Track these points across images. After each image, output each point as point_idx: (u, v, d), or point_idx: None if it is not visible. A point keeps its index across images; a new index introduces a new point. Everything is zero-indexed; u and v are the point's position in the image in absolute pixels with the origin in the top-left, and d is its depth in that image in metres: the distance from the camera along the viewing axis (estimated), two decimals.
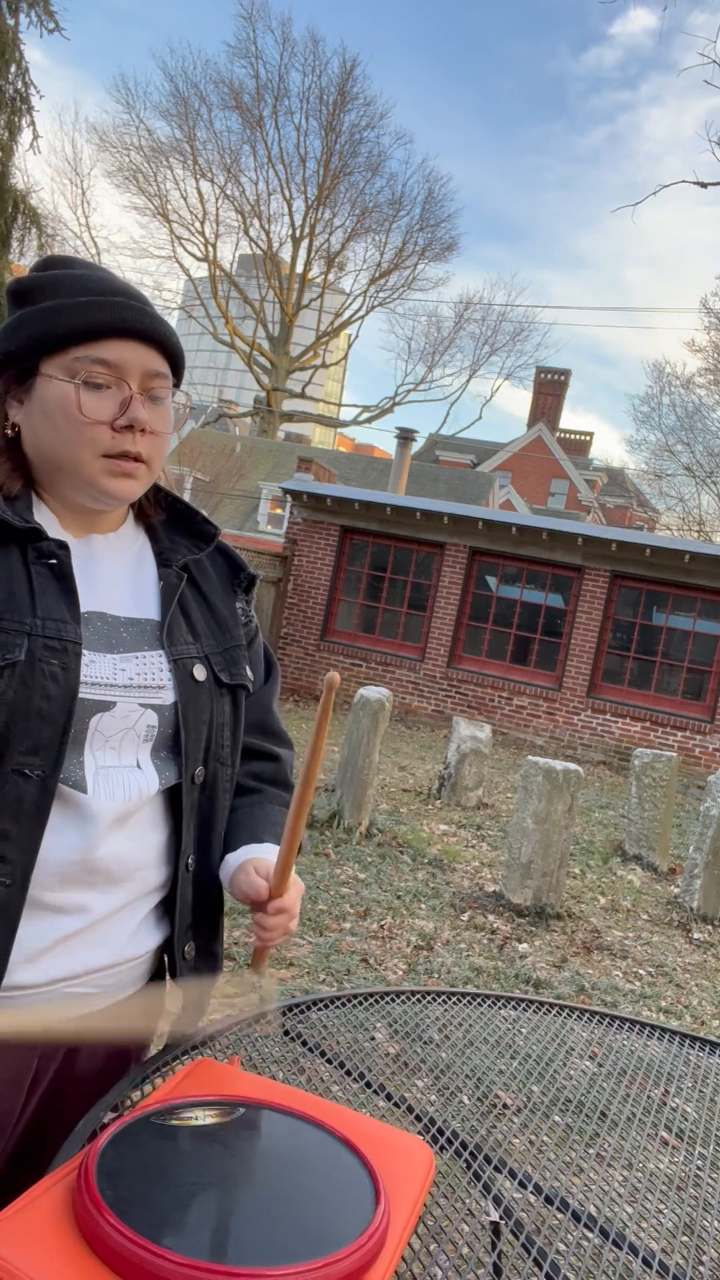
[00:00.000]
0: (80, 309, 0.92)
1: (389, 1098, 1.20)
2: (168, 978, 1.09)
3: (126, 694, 0.96)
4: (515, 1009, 1.49)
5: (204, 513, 1.11)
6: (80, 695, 0.91)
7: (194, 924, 1.07)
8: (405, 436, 19.10)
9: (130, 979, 1.03)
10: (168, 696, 0.99)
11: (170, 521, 1.10)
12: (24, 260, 9.52)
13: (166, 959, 1.08)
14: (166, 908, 1.06)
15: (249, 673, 1.11)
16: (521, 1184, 1.07)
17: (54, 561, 0.93)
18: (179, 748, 1.01)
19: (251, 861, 1.03)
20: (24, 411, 0.95)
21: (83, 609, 0.95)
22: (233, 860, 1.06)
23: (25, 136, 9.88)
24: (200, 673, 1.03)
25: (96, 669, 0.93)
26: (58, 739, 0.89)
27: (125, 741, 0.97)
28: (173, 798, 1.04)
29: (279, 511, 26.52)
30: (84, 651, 0.93)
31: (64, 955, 0.95)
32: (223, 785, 1.08)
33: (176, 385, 1.00)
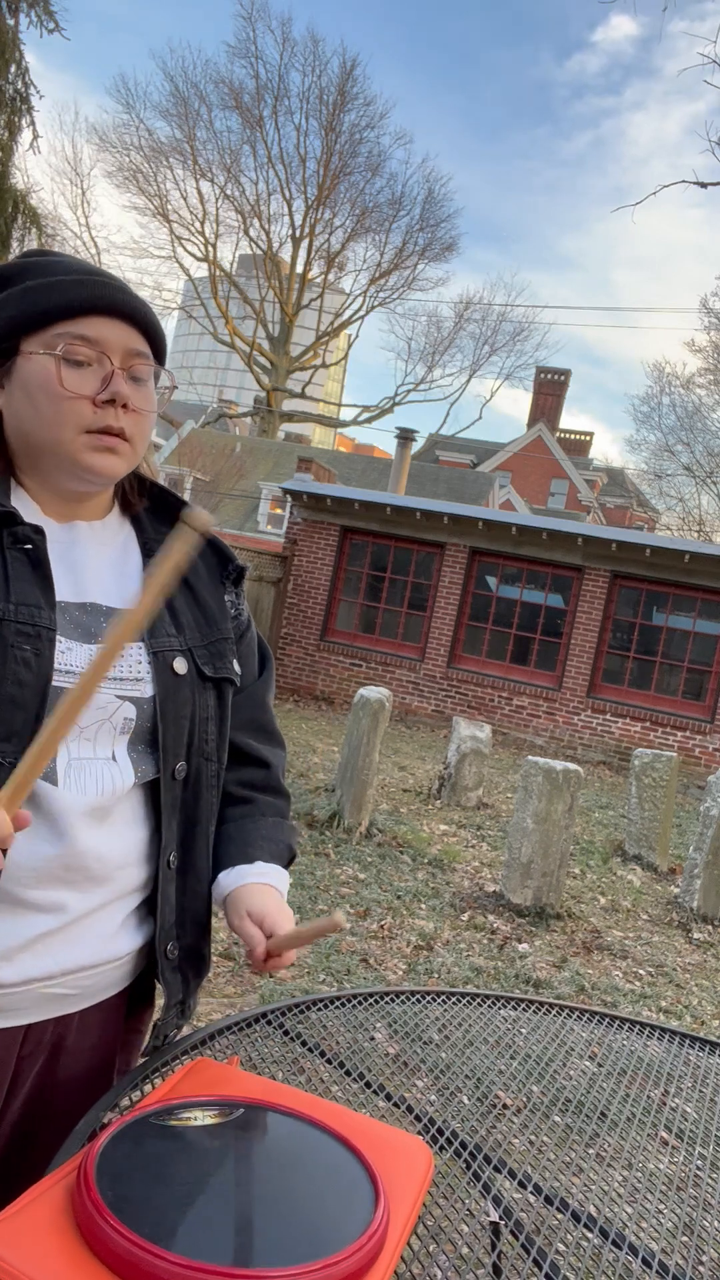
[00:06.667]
0: (60, 287, 0.92)
1: (389, 1098, 1.20)
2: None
3: (103, 684, 0.94)
4: (515, 1009, 1.49)
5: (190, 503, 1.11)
6: (54, 683, 0.89)
7: (178, 923, 1.05)
8: (405, 436, 19.11)
9: (110, 980, 1.02)
10: (146, 689, 0.98)
11: (156, 512, 1.09)
12: None
13: (151, 959, 1.06)
14: (149, 907, 1.04)
15: (235, 666, 1.09)
16: (521, 1184, 1.07)
17: (29, 546, 0.91)
18: (157, 741, 0.99)
19: (245, 902, 1.02)
20: (5, 394, 0.94)
21: (66, 597, 0.94)
22: (225, 883, 1.05)
23: (25, 136, 9.90)
24: (181, 666, 1.01)
25: (72, 657, 0.92)
26: (30, 726, 0.87)
27: (101, 733, 0.95)
28: (154, 793, 1.02)
29: (279, 511, 26.52)
30: (59, 639, 0.91)
31: (40, 954, 0.93)
32: (207, 781, 1.06)
33: (159, 365, 0.99)
